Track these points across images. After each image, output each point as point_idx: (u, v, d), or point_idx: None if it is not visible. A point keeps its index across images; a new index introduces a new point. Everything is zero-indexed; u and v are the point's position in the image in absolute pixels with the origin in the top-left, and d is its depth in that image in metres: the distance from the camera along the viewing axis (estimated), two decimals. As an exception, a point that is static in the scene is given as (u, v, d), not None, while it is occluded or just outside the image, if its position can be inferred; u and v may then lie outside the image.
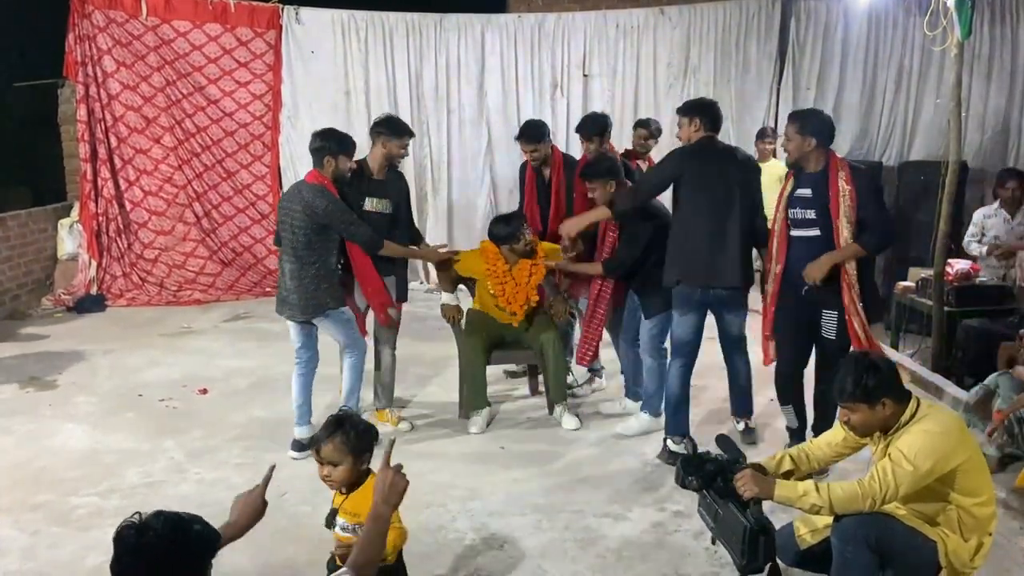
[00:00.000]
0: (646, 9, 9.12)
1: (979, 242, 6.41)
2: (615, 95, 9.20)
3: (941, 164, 6.13)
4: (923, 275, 6.30)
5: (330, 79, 8.92)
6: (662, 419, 4.93)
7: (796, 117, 4.29)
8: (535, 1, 9.65)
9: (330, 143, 4.55)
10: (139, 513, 1.84)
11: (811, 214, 4.20)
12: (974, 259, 6.33)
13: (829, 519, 2.93)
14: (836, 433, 3.07)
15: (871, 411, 2.76)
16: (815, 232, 4.19)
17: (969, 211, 6.95)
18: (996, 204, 6.36)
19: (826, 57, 8.90)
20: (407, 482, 2.35)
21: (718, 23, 9.06)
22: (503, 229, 5.04)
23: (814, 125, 4.19)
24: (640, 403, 5.08)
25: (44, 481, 4.39)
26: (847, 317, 4.13)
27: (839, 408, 2.87)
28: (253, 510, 2.47)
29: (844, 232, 4.07)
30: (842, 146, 8.90)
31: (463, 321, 5.26)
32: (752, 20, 9.03)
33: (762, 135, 7.83)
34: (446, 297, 5.24)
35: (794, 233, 4.28)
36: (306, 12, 8.89)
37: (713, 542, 2.91)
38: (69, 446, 4.88)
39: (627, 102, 9.19)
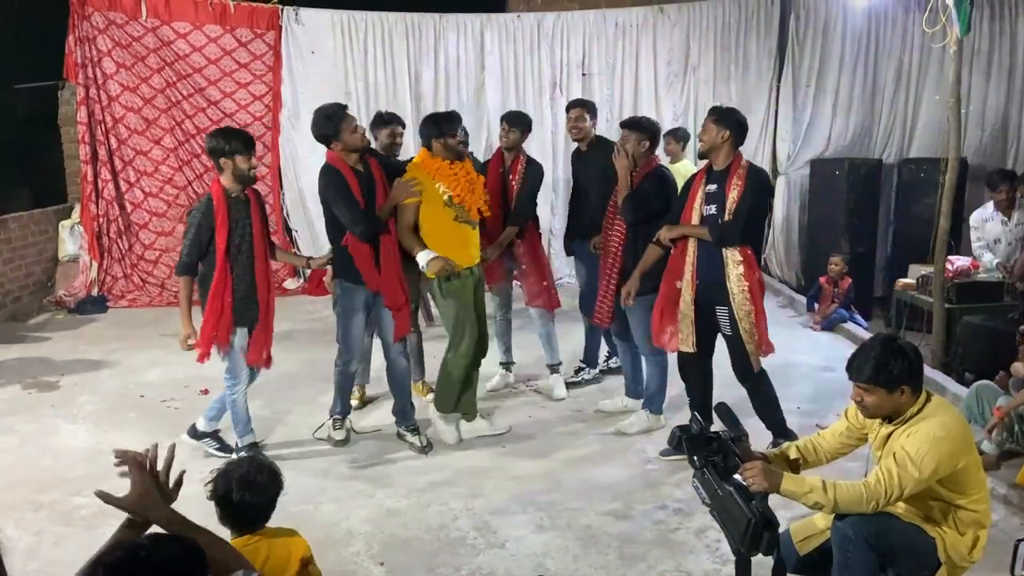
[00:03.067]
0: (645, 7, 9.13)
1: (987, 248, 6.38)
2: (614, 94, 9.21)
3: (941, 161, 6.14)
4: (923, 272, 6.31)
5: (330, 79, 8.92)
6: (663, 417, 4.96)
7: (714, 110, 4.43)
8: (534, 0, 9.66)
9: (219, 142, 4.24)
10: (120, 540, 1.78)
11: (713, 209, 4.31)
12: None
13: (824, 524, 2.93)
14: (840, 423, 3.07)
15: (888, 396, 2.73)
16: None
17: (969, 208, 6.96)
18: (991, 207, 6.34)
19: (826, 54, 8.90)
20: (148, 479, 2.11)
21: (717, 21, 9.07)
22: (438, 126, 4.66)
23: (731, 120, 4.29)
24: (640, 401, 5.11)
25: (47, 481, 4.41)
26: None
27: (854, 387, 2.82)
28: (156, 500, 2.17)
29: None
30: (843, 143, 8.95)
31: (449, 288, 4.69)
32: (751, 17, 9.04)
33: (672, 134, 7.74)
34: (424, 256, 4.56)
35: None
36: (305, 13, 8.90)
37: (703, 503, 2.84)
38: (72, 446, 4.90)
39: (627, 101, 9.20)
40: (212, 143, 4.27)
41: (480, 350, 4.90)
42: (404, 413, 4.89)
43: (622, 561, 3.57)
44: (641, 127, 4.84)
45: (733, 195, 4.21)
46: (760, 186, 4.30)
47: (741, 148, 4.36)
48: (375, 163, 4.67)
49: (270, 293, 4.50)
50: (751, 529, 2.42)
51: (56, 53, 8.36)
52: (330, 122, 4.46)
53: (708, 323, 4.43)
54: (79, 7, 8.24)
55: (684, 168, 7.51)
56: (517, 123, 5.48)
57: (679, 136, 7.73)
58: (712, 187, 4.33)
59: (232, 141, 4.24)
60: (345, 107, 4.59)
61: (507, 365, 5.85)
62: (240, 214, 4.30)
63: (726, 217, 4.22)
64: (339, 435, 4.85)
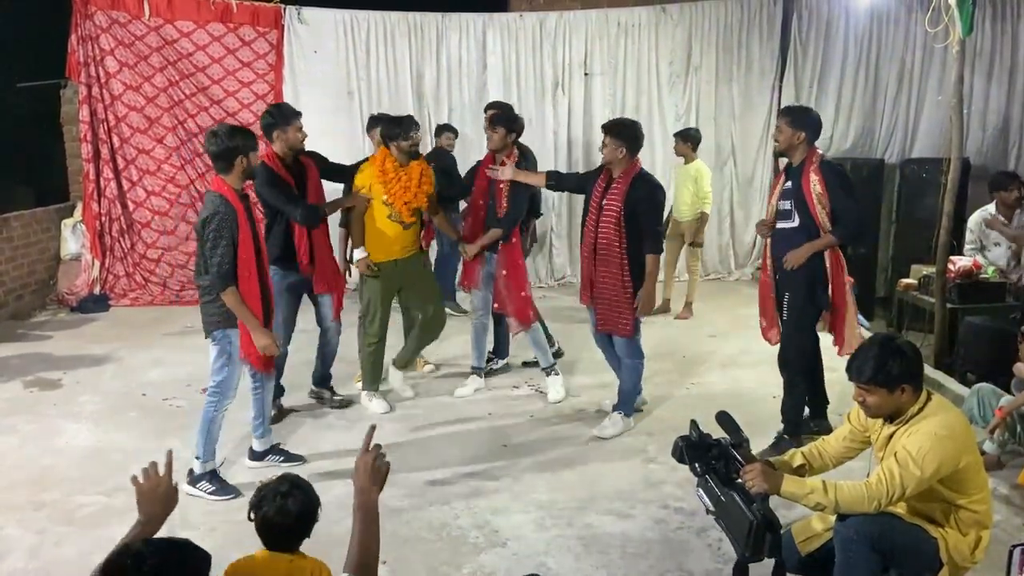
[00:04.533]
0: (647, 7, 9.13)
1: (980, 250, 6.37)
2: (616, 94, 9.21)
3: (943, 161, 6.13)
4: (925, 272, 6.30)
5: (332, 79, 8.92)
6: (633, 420, 5.03)
7: (787, 111, 4.69)
8: (536, 0, 9.65)
9: (237, 140, 4.05)
10: (126, 544, 1.79)
11: (787, 205, 4.52)
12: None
13: (822, 525, 2.92)
14: (843, 427, 3.07)
15: (889, 396, 2.74)
16: (792, 224, 4.51)
17: (971, 208, 6.94)
18: (992, 210, 6.31)
19: (828, 55, 8.91)
20: (389, 464, 2.32)
21: (719, 21, 9.07)
22: (392, 128, 5.12)
23: (805, 120, 4.49)
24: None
25: (49, 480, 4.41)
26: (838, 311, 4.53)
27: (855, 388, 2.83)
28: (166, 500, 2.35)
29: (825, 224, 4.40)
30: (845, 144, 8.95)
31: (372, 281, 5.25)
32: (754, 18, 9.04)
33: (681, 135, 7.74)
34: (359, 252, 5.18)
35: (778, 225, 4.62)
36: (308, 12, 8.89)
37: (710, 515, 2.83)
38: (74, 445, 4.90)
39: (629, 100, 9.20)
40: (229, 142, 3.99)
41: (434, 326, 5.47)
42: (324, 379, 5.51)
43: (624, 560, 3.57)
44: (619, 134, 4.75)
45: (817, 189, 4.35)
46: (841, 183, 4.42)
47: (816, 144, 4.52)
48: (309, 162, 5.11)
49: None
50: (753, 532, 2.42)
51: (58, 52, 8.36)
52: (281, 116, 4.92)
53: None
54: (82, 6, 8.25)
55: (696, 170, 7.51)
56: (500, 122, 5.33)
57: (688, 136, 7.68)
58: (788, 184, 4.53)
59: (248, 138, 4.10)
60: (297, 112, 5.00)
61: (479, 371, 5.80)
62: (248, 212, 4.12)
63: (818, 218, 4.37)
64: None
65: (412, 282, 5.34)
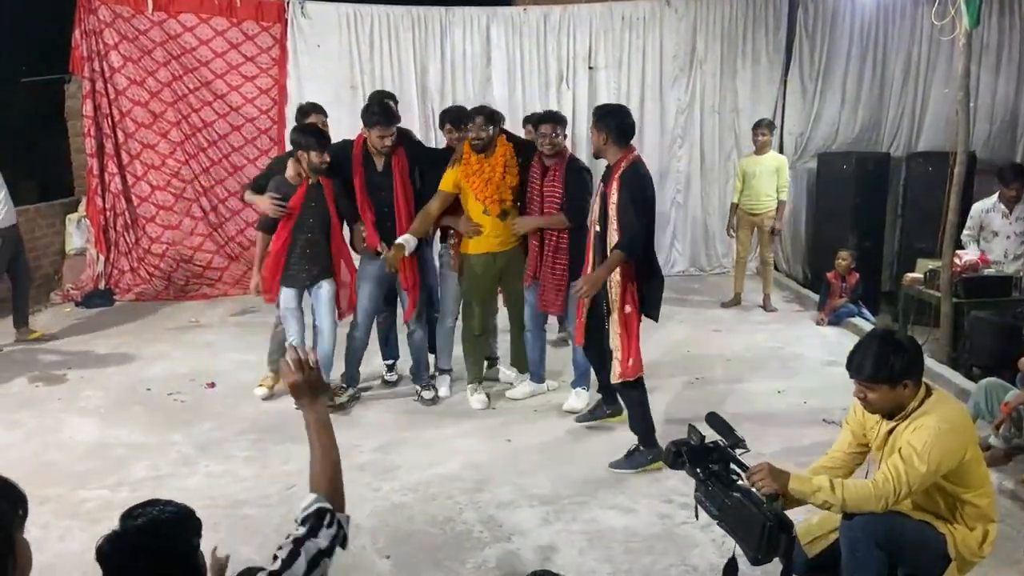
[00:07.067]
0: (652, 1, 9.09)
1: (976, 239, 6.32)
2: (621, 88, 9.18)
3: (949, 155, 6.11)
4: (931, 266, 6.27)
5: (336, 73, 8.90)
6: (545, 385, 5.53)
7: (594, 112, 4.45)
8: (540, -7, 9.63)
9: (297, 138, 5.00)
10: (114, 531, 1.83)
11: (598, 210, 4.41)
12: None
13: (820, 530, 2.90)
14: (844, 435, 3.03)
15: (891, 391, 2.70)
16: (598, 228, 4.38)
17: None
18: (995, 199, 6.25)
19: (834, 47, 8.87)
20: (318, 373, 2.20)
21: (724, 14, 9.03)
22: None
23: (608, 121, 4.27)
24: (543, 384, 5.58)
25: (53, 474, 4.42)
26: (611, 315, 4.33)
27: (855, 385, 2.79)
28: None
29: (612, 234, 4.21)
30: (850, 136, 8.92)
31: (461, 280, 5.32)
32: (759, 11, 9.00)
33: (758, 126, 7.73)
34: (403, 237, 5.01)
35: (597, 228, 4.44)
36: (312, 6, 8.87)
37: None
38: (78, 440, 4.91)
39: (633, 94, 9.16)
40: (293, 137, 5.05)
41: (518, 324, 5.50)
42: (416, 374, 5.58)
43: (627, 555, 3.57)
44: (558, 119, 5.05)
45: (613, 199, 4.19)
46: (632, 194, 4.16)
47: (627, 145, 4.30)
48: (400, 158, 5.11)
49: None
50: (767, 533, 2.37)
51: (62, 47, 8.36)
52: (365, 116, 5.05)
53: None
54: (85, 1, 8.25)
55: (779, 160, 7.63)
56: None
57: (769, 125, 7.76)
58: (601, 186, 4.40)
59: (304, 136, 4.96)
60: (391, 118, 5.05)
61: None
62: (310, 191, 5.06)
63: (610, 215, 4.20)
64: None
65: (510, 278, 5.33)
